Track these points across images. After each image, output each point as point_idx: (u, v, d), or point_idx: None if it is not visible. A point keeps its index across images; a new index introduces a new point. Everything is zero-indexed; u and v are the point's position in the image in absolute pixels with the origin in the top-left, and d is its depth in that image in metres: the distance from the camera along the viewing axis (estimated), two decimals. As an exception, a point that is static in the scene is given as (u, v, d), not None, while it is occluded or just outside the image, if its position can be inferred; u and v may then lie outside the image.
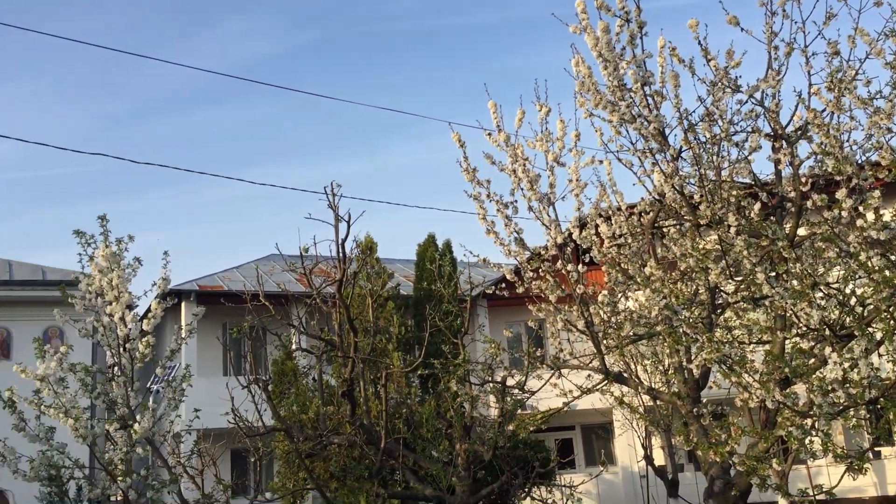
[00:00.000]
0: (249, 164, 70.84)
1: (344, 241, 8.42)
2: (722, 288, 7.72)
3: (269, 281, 20.72)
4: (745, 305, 7.61)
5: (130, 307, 9.57)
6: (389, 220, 68.59)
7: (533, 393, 9.03)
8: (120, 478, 8.55)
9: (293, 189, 20.13)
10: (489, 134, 8.87)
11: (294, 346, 11.42)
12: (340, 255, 8.47)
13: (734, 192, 7.31)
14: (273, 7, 66.85)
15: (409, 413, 11.25)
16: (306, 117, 73.06)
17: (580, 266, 8.64)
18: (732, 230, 6.92)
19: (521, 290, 9.21)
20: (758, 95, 7.34)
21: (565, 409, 10.21)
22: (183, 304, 20.30)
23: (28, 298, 19.87)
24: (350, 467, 10.73)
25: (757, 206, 7.46)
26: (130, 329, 9.35)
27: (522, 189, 8.61)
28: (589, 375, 9.82)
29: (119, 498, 9.07)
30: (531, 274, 9.04)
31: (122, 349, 9.39)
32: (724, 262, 6.95)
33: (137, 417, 8.71)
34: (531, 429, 9.47)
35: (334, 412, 9.57)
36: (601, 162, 8.68)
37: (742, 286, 7.22)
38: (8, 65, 62.10)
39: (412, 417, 11.83)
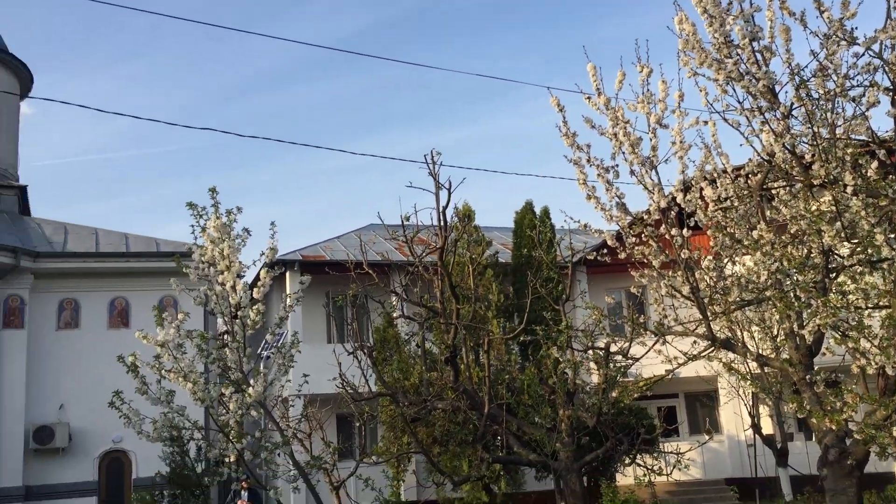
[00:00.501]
0: (350, 135, 71.94)
1: (445, 208, 8.50)
2: (836, 251, 7.44)
3: (370, 250, 21.12)
4: (861, 269, 7.31)
5: (240, 276, 9.94)
6: (485, 188, 68.59)
7: (637, 360, 8.95)
8: (235, 439, 8.96)
9: (392, 159, 20.61)
10: (588, 98, 8.72)
11: (396, 314, 11.63)
12: (441, 222, 8.55)
13: (850, 151, 6.99)
14: (366, -22, 67.28)
15: (510, 380, 11.34)
16: (404, 87, 73.55)
17: (684, 230, 8.46)
18: (849, 190, 6.63)
19: (622, 255, 9.10)
20: (875, 47, 6.96)
21: (670, 376, 10.05)
22: (287, 274, 20.92)
23: (144, 269, 20.87)
24: (453, 432, 10.93)
25: (874, 164, 7.12)
26: (241, 297, 9.71)
27: (624, 153, 8.45)
28: (694, 342, 9.64)
29: (232, 459, 9.50)
30: (633, 239, 8.91)
31: (233, 317, 9.77)
32: (838, 223, 6.68)
33: (251, 382, 9.08)
34: (635, 396, 9.38)
35: (437, 378, 9.73)
36: (706, 123, 8.42)
37: (859, 248, 6.93)
38: (116, 48, 64.75)
39: (513, 384, 11.92)
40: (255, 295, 9.73)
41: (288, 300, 10.51)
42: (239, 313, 9.74)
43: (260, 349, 12.88)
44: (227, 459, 9.25)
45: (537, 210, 21.76)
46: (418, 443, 9.13)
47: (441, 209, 8.45)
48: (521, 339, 9.15)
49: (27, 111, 51.26)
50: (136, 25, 65.67)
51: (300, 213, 72.78)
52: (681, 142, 8.34)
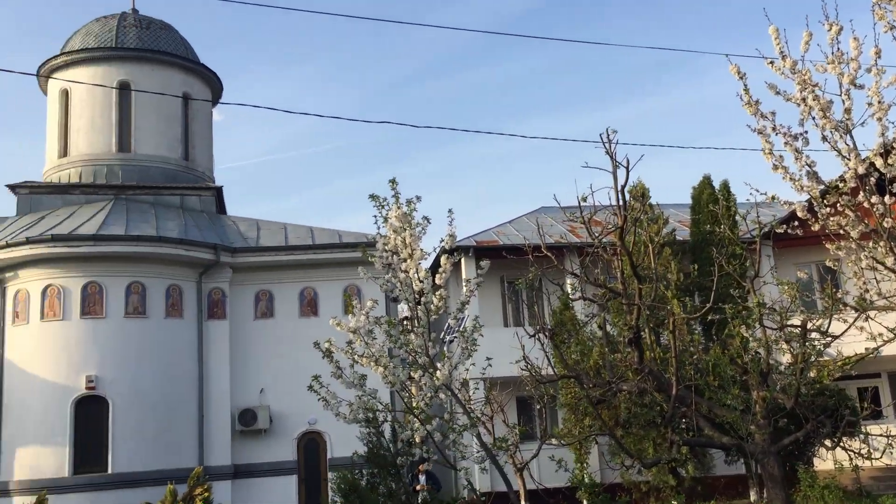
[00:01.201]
0: (518, 118, 71.99)
1: (623, 187, 8.34)
2: None
3: (541, 233, 21.09)
4: None
5: (422, 263, 10.22)
6: (658, 164, 66.55)
7: (836, 337, 8.42)
8: (426, 421, 9.25)
9: (566, 140, 20.19)
10: (771, 62, 8.24)
11: (576, 296, 11.57)
12: (620, 201, 8.41)
13: None
14: (526, -40, 66.84)
15: (697, 360, 10.99)
16: (574, 67, 72.63)
17: (886, 197, 7.84)
18: None
19: (815, 227, 8.56)
20: None
21: (873, 354, 9.38)
22: (462, 260, 21.31)
23: (328, 260, 21.95)
24: (638, 414, 10.74)
25: None
26: (424, 284, 9.99)
27: (814, 118, 7.93)
28: (901, 317, 8.93)
29: (417, 440, 9.81)
30: (827, 210, 8.36)
31: (417, 302, 10.08)
32: None
33: (437, 365, 9.34)
34: (836, 376, 8.83)
35: (621, 359, 9.60)
36: (908, 79, 7.75)
37: None
38: (292, 52, 68.06)
39: (699, 365, 11.55)
40: (437, 281, 9.97)
41: (469, 285, 10.69)
42: (422, 299, 10.01)
43: (442, 334, 13.22)
44: (417, 440, 9.57)
45: (716, 184, 20.90)
46: (604, 425, 9.05)
47: (619, 188, 8.31)
48: (712, 317, 8.83)
49: (217, 118, 55.13)
50: (310, 28, 68.81)
51: (470, 198, 73.77)
52: (879, 102, 7.73)
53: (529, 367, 8.94)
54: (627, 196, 8.72)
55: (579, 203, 8.95)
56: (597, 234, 9.42)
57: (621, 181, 8.35)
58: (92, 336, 19.51)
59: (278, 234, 22.67)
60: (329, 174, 73.08)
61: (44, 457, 18.89)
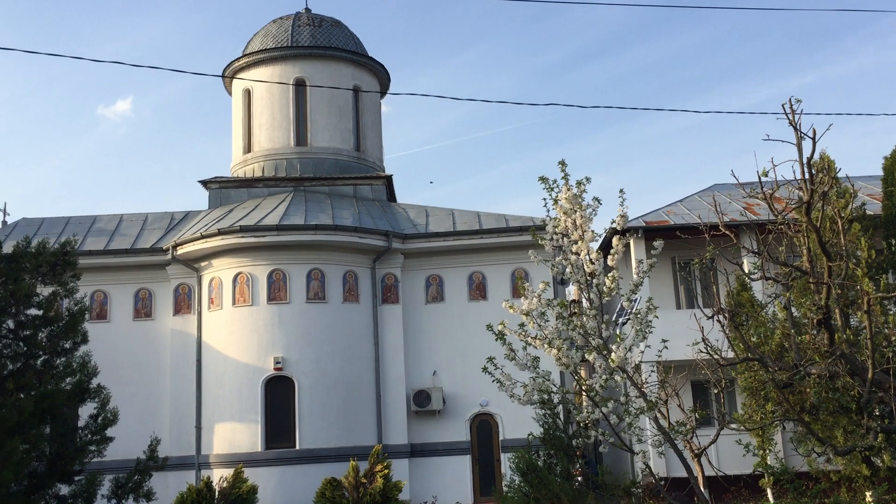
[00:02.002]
0: (690, 93, 69.40)
1: (809, 160, 7.87)
2: None
3: (713, 211, 20.28)
4: None
5: (593, 245, 10.10)
6: (843, 134, 62.13)
7: None
8: (601, 403, 9.16)
9: (739, 113, 19.33)
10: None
11: (756, 275, 11.04)
12: (806, 175, 7.93)
13: None
14: (690, -72, 63.90)
15: (893, 342, 10.20)
16: (745, 36, 69.07)
17: None
18: None
19: None
20: None
21: None
22: (631, 241, 20.85)
23: (496, 245, 22.17)
24: (828, 399, 10.11)
25: None
26: (596, 265, 9.86)
27: None
28: None
29: (588, 424, 9.71)
30: None
31: (589, 285, 9.96)
32: None
33: (612, 348, 9.21)
34: None
35: (808, 342, 9.07)
36: None
37: None
38: (454, 39, 68.88)
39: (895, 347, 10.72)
40: (609, 262, 9.82)
41: (641, 265, 10.49)
42: (594, 281, 9.89)
43: (614, 316, 13.02)
44: (593, 422, 9.49)
45: (910, 153, 19.21)
46: (792, 410, 8.60)
47: (805, 161, 7.83)
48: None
49: (385, 109, 56.87)
50: (470, 15, 69.33)
51: (638, 178, 71.95)
52: None
53: (709, 349, 8.63)
54: (813, 169, 8.23)
55: (759, 178, 8.53)
56: (779, 211, 8.95)
57: (806, 153, 7.89)
58: (278, 320, 20.74)
59: (446, 220, 23.11)
60: (494, 159, 73.61)
61: (239, 432, 20.33)
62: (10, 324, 11.77)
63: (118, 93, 66.74)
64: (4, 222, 24.64)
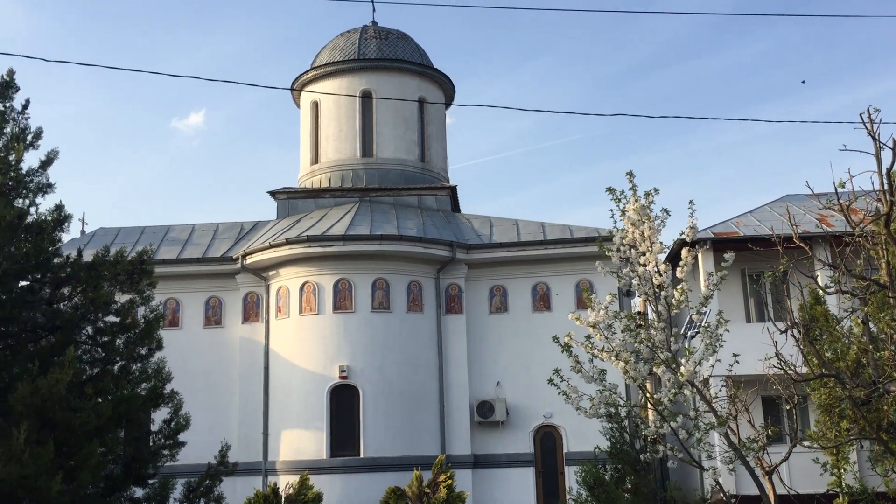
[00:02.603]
0: (760, 102, 67.94)
1: (888, 170, 7.64)
2: None
3: (786, 223, 19.82)
4: None
5: (662, 256, 9.98)
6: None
7: None
8: (669, 417, 9.02)
9: (814, 122, 18.84)
10: None
11: (832, 289, 10.75)
12: (885, 186, 7.70)
13: None
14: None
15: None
16: (820, 43, 67.40)
17: None
18: None
19: None
20: None
21: None
22: (700, 253, 20.50)
23: (560, 255, 22.05)
24: (908, 418, 9.76)
25: None
26: (664, 277, 9.75)
27: None
28: None
29: (656, 438, 9.56)
30: None
31: (657, 297, 9.85)
32: None
33: (682, 361, 9.07)
34: None
35: (888, 358, 8.78)
36: None
37: None
38: (519, 49, 68.89)
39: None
40: (678, 275, 9.69)
41: (711, 278, 10.28)
42: (662, 293, 9.78)
43: (683, 329, 12.81)
44: (661, 437, 9.35)
45: None
46: (870, 428, 8.33)
47: (885, 171, 7.61)
48: None
49: (450, 120, 57.09)
50: (535, 25, 69.24)
51: (707, 188, 70.64)
52: None
53: (783, 364, 8.43)
54: (893, 180, 7.98)
55: (836, 189, 8.33)
56: (857, 223, 8.71)
57: (886, 164, 7.66)
58: (343, 329, 20.99)
59: (510, 231, 23.09)
60: (560, 169, 73.24)
61: (305, 439, 20.61)
62: (90, 330, 12.17)
63: (191, 106, 68.71)
64: (83, 232, 25.57)
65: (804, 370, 10.85)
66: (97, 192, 66.83)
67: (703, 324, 10.05)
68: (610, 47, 67.13)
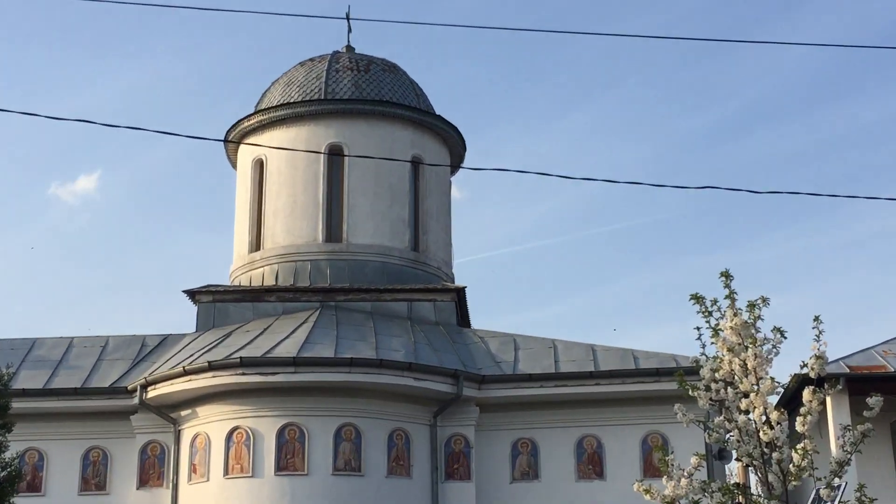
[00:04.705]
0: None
1: None
2: None
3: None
4: None
5: (773, 399, 9.99)
6: None
7: None
8: None
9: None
10: None
11: None
12: None
13: None
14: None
15: None
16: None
17: None
18: None
19: None
20: None
21: None
22: (829, 395, 20.33)
23: (618, 395, 21.91)
24: None
25: None
26: (776, 431, 9.73)
27: None
28: None
29: None
30: None
31: (765, 460, 9.80)
32: None
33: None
34: None
35: None
36: None
37: None
38: (549, 102, 70.16)
39: None
40: (798, 427, 9.70)
41: (846, 435, 10.25)
42: (774, 456, 9.75)
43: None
44: None
45: None
46: None
47: None
48: None
49: (458, 193, 56.86)
50: (578, 69, 70.53)
51: (834, 299, 70.68)
52: None
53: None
54: None
55: None
56: None
57: None
58: (289, 500, 20.70)
59: (544, 356, 23.01)
60: (617, 266, 73.44)
61: None
62: None
63: (80, 165, 69.28)
64: None
65: None
66: (-70, 285, 66.97)
67: (836, 502, 9.99)
68: (698, 88, 68.22)
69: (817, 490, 10.62)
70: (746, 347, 9.90)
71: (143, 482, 22.03)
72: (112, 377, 22.83)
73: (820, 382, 10.38)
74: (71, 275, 68.21)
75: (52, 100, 65.39)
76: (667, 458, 9.95)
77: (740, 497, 10.30)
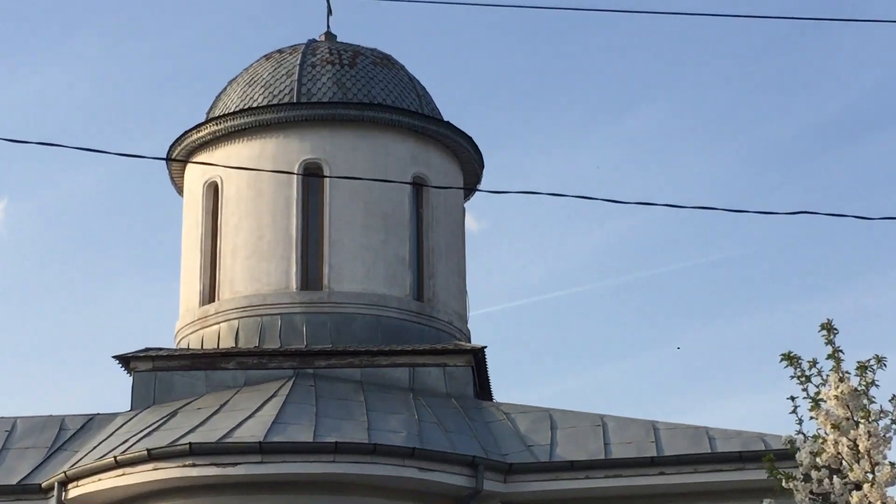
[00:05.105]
0: None
1: None
2: None
3: None
4: None
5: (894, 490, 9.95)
6: None
7: None
8: None
9: None
10: None
11: None
12: None
13: None
14: None
15: None
16: None
17: None
18: None
19: None
20: None
21: None
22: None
23: (691, 488, 21.86)
24: None
25: None
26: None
27: None
28: None
29: None
30: None
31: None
32: None
33: None
34: None
35: None
36: None
37: None
38: (574, 119, 70.35)
39: None
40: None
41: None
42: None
43: None
44: None
45: None
46: None
47: None
48: None
49: (474, 224, 55.95)
50: (625, 64, 70.58)
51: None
52: None
53: None
54: None
55: None
56: None
57: None
58: None
59: (590, 438, 22.96)
60: (677, 317, 73.23)
61: None
62: None
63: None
64: None
65: None
66: None
67: None
68: (775, 94, 68.29)
69: None
70: (857, 423, 9.85)
71: None
72: (21, 471, 22.76)
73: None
74: (-32, 335, 68.17)
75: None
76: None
77: None
